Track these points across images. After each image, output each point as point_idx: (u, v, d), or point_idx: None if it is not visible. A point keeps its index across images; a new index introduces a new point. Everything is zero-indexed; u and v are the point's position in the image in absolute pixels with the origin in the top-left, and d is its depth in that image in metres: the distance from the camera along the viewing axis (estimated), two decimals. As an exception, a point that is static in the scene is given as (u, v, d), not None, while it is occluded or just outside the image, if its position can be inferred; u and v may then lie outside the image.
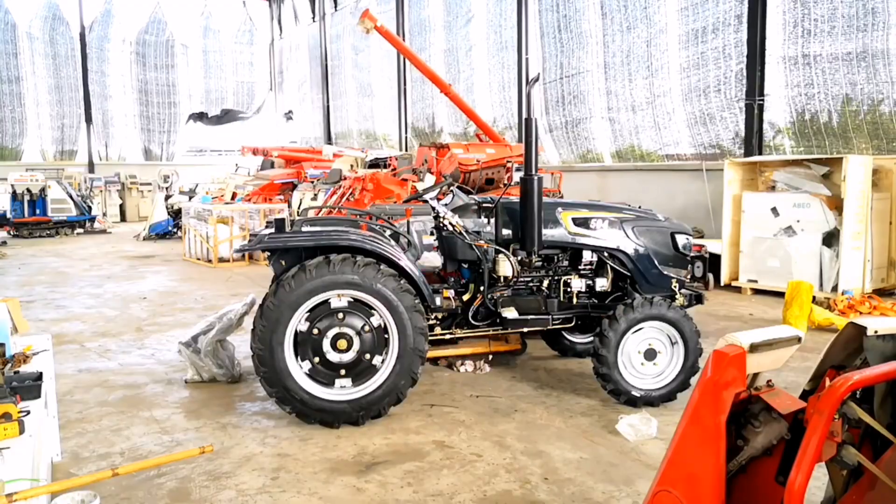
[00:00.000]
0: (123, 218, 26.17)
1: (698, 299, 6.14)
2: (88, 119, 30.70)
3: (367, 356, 5.23)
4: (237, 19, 35.46)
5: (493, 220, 6.08)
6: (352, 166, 17.33)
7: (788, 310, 8.13)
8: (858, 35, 11.14)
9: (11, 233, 20.39)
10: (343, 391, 5.23)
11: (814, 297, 8.50)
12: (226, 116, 33.64)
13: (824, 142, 11.98)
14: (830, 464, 1.98)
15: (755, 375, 2.07)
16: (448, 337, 6.04)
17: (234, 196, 19.50)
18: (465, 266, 6.02)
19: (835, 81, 11.63)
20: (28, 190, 20.52)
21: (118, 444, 5.05)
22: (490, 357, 6.86)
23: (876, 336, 2.00)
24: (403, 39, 21.48)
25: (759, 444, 2.01)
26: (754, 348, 1.95)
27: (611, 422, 5.36)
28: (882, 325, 2.02)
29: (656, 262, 6.06)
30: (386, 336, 5.26)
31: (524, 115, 5.68)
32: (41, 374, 3.77)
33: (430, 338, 5.59)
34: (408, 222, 6.04)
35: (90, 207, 22.38)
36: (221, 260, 14.38)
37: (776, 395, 2.04)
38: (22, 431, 3.07)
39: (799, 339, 2.08)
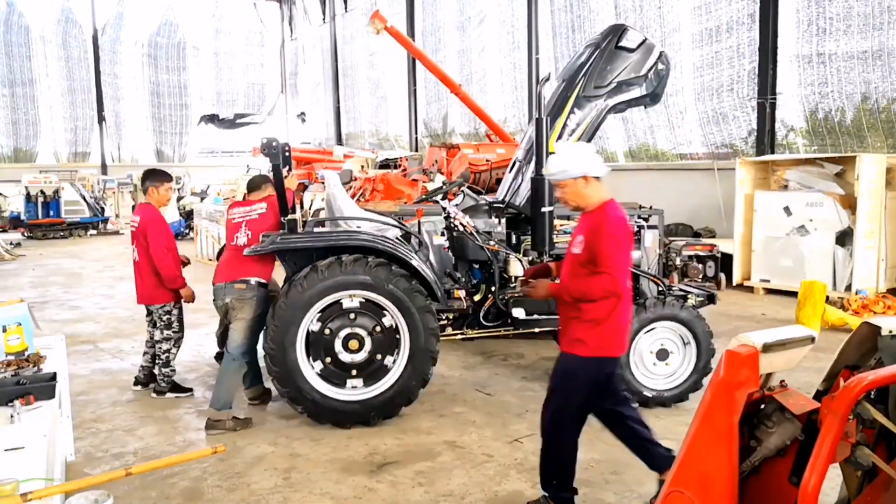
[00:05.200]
0: (136, 219, 26.27)
1: (710, 299, 6.10)
2: (101, 121, 30.88)
3: (379, 357, 5.24)
4: (248, 21, 35.57)
5: (503, 221, 6.08)
6: (362, 167, 17.35)
7: (801, 310, 8.08)
8: (874, 33, 11.05)
9: (25, 234, 20.53)
10: (354, 391, 5.24)
11: (827, 297, 8.44)
12: (237, 120, 33.76)
13: (838, 140, 11.90)
14: (844, 464, 1.96)
15: (768, 376, 2.06)
16: (459, 338, 6.04)
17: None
18: (477, 266, 6.01)
19: (849, 80, 11.54)
20: (42, 192, 20.65)
21: (131, 443, 5.08)
22: None
23: (891, 336, 1.99)
24: (415, 41, 21.48)
25: (773, 445, 2.00)
26: (767, 348, 1.94)
27: (623, 422, 5.34)
28: None
29: None
30: (397, 337, 5.27)
31: (535, 115, 5.66)
32: (55, 374, 3.80)
33: (442, 338, 5.59)
34: (419, 222, 6.05)
35: (103, 209, 22.50)
36: (233, 260, 14.40)
37: (789, 396, 2.03)
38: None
39: (812, 340, 2.06)
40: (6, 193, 22.91)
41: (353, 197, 12.75)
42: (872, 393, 1.93)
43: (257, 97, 35.93)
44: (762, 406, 2.05)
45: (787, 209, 10.33)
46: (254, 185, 6.07)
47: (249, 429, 5.32)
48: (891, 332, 1.99)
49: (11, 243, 17.94)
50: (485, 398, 5.96)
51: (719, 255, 6.49)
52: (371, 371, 5.25)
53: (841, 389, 1.74)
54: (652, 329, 5.56)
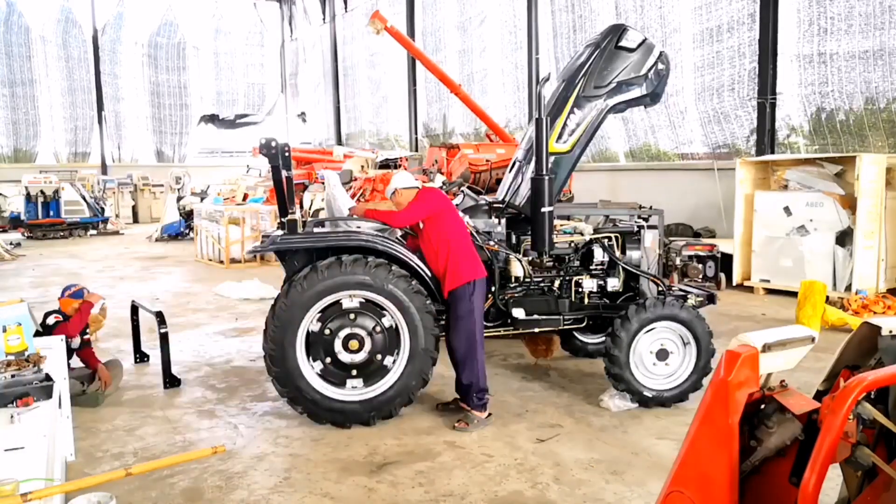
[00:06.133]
0: (136, 219, 26.31)
1: (710, 299, 6.11)
2: (101, 121, 30.88)
3: (379, 357, 5.24)
4: (248, 21, 35.57)
5: (503, 221, 6.08)
6: (363, 167, 17.34)
7: (801, 310, 8.08)
8: (875, 33, 11.06)
9: (25, 234, 20.53)
10: (354, 391, 5.24)
11: (827, 297, 8.44)
12: (237, 121, 33.76)
13: (839, 140, 11.89)
14: (844, 465, 1.96)
15: (768, 376, 2.05)
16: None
17: (245, 197, 19.56)
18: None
19: (850, 80, 11.54)
20: (42, 192, 20.65)
21: (131, 443, 5.09)
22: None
23: (891, 336, 1.98)
24: (415, 41, 21.48)
25: (773, 445, 1.99)
26: (767, 348, 1.94)
27: (622, 422, 5.34)
28: None
29: None
30: (397, 337, 5.27)
31: (535, 115, 5.66)
32: (47, 374, 3.78)
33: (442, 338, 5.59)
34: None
35: (103, 209, 22.51)
36: (233, 261, 14.43)
37: (790, 396, 2.02)
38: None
39: (813, 339, 2.06)
40: (6, 193, 22.92)
41: (353, 197, 12.75)
42: (873, 393, 1.92)
43: (257, 97, 35.93)
44: (762, 406, 2.04)
45: (787, 209, 10.32)
46: None
47: (249, 429, 5.33)
48: (891, 332, 1.99)
49: (11, 243, 17.95)
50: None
51: (719, 255, 6.50)
52: (371, 371, 5.25)
53: (841, 389, 1.73)
54: (652, 329, 5.56)
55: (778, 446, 1.99)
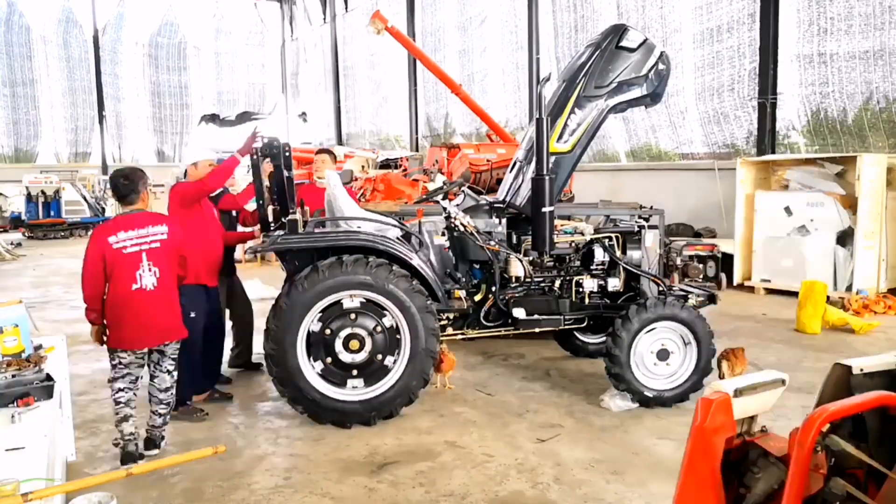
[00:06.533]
0: (137, 219, 26.30)
1: (711, 299, 6.10)
2: (102, 121, 30.89)
3: (379, 357, 5.24)
4: (249, 21, 35.56)
5: (503, 221, 6.08)
6: (363, 167, 17.33)
7: (802, 310, 8.08)
8: (875, 33, 11.05)
9: (26, 234, 20.55)
10: (355, 391, 5.24)
11: (828, 297, 8.44)
12: (241, 118, 33.75)
13: (839, 140, 11.89)
14: (824, 497, 1.98)
15: (751, 422, 2.09)
16: (459, 338, 6.04)
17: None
18: (477, 266, 6.01)
19: (850, 80, 11.54)
20: (42, 192, 20.67)
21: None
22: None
23: (862, 374, 2.02)
24: (416, 41, 21.47)
25: (761, 491, 2.03)
26: (739, 393, 1.99)
27: (623, 422, 5.34)
28: (867, 364, 2.05)
29: None
30: (398, 337, 5.27)
31: (535, 115, 5.66)
32: (48, 374, 3.78)
33: (442, 338, 5.60)
34: (419, 223, 6.04)
35: (104, 209, 22.51)
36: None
37: (770, 439, 2.07)
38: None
39: (783, 382, 2.11)
40: (7, 193, 22.93)
41: (353, 197, 12.72)
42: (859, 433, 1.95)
43: (258, 97, 35.91)
44: (748, 452, 2.08)
45: (787, 209, 10.32)
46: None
47: (250, 429, 5.33)
48: (862, 370, 2.02)
49: (12, 243, 17.95)
50: (485, 398, 5.96)
51: (720, 255, 6.50)
52: (371, 371, 5.25)
53: (804, 422, 1.77)
54: (652, 329, 5.56)
55: (766, 491, 2.03)
